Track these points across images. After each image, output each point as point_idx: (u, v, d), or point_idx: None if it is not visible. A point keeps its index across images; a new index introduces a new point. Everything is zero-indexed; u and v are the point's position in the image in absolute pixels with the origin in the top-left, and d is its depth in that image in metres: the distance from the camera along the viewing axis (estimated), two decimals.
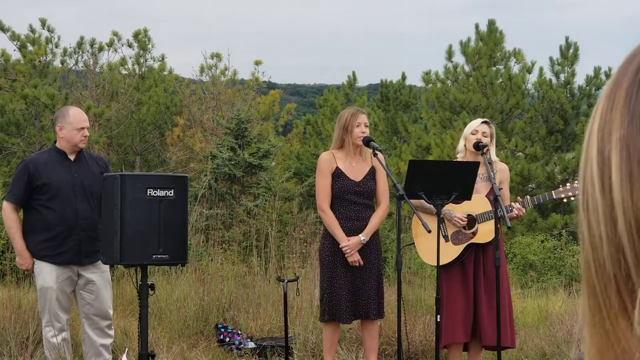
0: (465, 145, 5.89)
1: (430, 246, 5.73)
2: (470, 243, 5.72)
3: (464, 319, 5.69)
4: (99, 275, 5.86)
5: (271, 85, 33.54)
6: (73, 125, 5.77)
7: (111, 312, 5.98)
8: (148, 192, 5.20)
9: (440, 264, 5.65)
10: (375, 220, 5.92)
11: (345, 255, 5.81)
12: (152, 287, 5.41)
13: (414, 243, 5.96)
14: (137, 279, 5.39)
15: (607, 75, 21.41)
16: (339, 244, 5.82)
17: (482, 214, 5.73)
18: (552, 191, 6.00)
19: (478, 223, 5.74)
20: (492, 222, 5.68)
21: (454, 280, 5.71)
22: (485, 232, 5.72)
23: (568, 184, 5.99)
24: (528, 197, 5.88)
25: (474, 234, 5.73)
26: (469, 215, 5.76)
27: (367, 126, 5.91)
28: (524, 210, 5.77)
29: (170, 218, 5.25)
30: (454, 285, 5.70)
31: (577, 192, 5.84)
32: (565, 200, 5.99)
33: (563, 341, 6.67)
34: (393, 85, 28.60)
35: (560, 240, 15.34)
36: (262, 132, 21.89)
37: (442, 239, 5.43)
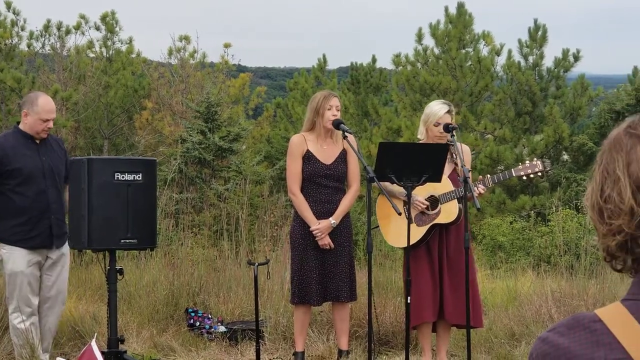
0: (427, 131, 5.86)
1: (395, 228, 5.76)
2: (434, 224, 5.76)
3: (431, 299, 5.74)
4: (63, 255, 5.88)
5: (241, 69, 33.36)
6: (39, 115, 5.68)
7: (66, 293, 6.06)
8: (116, 176, 5.16)
9: (406, 245, 5.68)
10: (346, 203, 5.93)
11: (316, 239, 5.81)
12: (121, 272, 5.39)
13: (378, 226, 5.97)
14: (105, 264, 5.36)
15: (575, 58, 21.55)
16: (309, 227, 5.82)
17: (444, 194, 5.76)
18: (512, 169, 6.05)
19: (441, 203, 5.78)
20: (455, 202, 5.74)
21: (420, 261, 5.74)
22: (448, 212, 5.76)
23: (527, 162, 6.04)
24: (488, 175, 5.92)
25: (437, 214, 5.77)
26: (431, 196, 5.78)
27: (338, 109, 5.90)
28: (485, 189, 5.79)
29: (138, 202, 5.22)
30: (421, 266, 5.73)
31: (536, 169, 5.93)
32: (524, 177, 6.03)
33: (532, 321, 6.73)
34: (363, 68, 28.58)
35: (528, 221, 15.47)
36: (232, 116, 21.80)
37: (406, 221, 5.43)
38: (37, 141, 5.76)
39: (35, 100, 5.73)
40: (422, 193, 5.71)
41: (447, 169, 5.81)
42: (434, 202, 5.79)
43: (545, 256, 11.19)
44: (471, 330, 5.61)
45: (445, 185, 5.73)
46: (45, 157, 5.74)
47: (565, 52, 21.56)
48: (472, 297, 5.71)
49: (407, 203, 5.44)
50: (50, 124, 5.74)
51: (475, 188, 5.70)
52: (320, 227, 5.80)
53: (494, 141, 20.34)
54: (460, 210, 5.77)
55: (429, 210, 5.76)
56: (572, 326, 1.33)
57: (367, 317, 5.64)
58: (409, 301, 5.45)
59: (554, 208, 11.36)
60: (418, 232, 5.70)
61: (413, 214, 5.72)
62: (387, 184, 5.51)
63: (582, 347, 1.30)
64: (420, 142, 5.95)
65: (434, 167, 5.46)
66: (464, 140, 18.46)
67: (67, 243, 5.77)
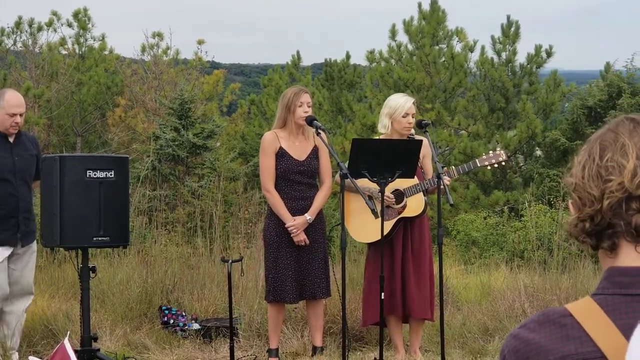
0: (392, 123, 5.87)
1: (360, 223, 5.79)
2: (400, 218, 5.79)
3: (393, 294, 5.77)
4: (30, 248, 5.85)
5: (215, 65, 33.23)
6: (5, 110, 5.64)
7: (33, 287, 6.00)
8: (87, 173, 5.13)
9: (371, 240, 5.71)
10: (320, 199, 5.93)
11: (291, 235, 5.80)
12: (94, 269, 5.38)
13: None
14: (78, 262, 5.34)
15: (548, 54, 21.70)
16: (284, 224, 5.81)
17: (409, 187, 5.79)
18: (476, 160, 6.12)
19: (407, 197, 5.80)
20: (421, 194, 5.79)
21: (384, 257, 5.76)
22: (414, 206, 5.79)
23: (491, 152, 6.12)
24: (453, 167, 5.97)
25: (403, 208, 5.79)
26: (396, 189, 5.80)
27: (310, 106, 5.89)
28: (449, 180, 5.82)
29: (110, 200, 5.19)
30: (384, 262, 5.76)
31: (499, 159, 6.02)
32: (489, 167, 6.14)
33: (505, 316, 6.77)
34: (337, 65, 28.56)
35: (502, 216, 15.56)
36: (206, 113, 21.70)
37: (371, 216, 5.43)
38: (11, 140, 5.73)
39: (1, 96, 5.71)
40: (387, 187, 5.72)
41: None
42: (399, 195, 5.82)
43: (518, 251, 11.25)
44: (444, 325, 5.65)
45: (410, 179, 5.76)
46: (17, 157, 5.73)
47: (538, 49, 21.69)
48: (431, 290, 5.79)
49: (382, 199, 5.45)
50: (18, 119, 5.68)
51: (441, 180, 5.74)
52: (296, 224, 5.79)
53: (467, 137, 20.43)
54: (425, 203, 5.82)
55: (394, 205, 5.79)
56: (542, 321, 1.34)
57: (341, 313, 5.64)
58: (382, 297, 5.47)
59: (527, 203, 11.43)
60: (385, 227, 5.72)
61: (379, 208, 5.74)
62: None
63: (552, 341, 1.31)
64: (382, 135, 5.98)
65: (408, 162, 5.47)
66: (438, 136, 18.53)
67: (35, 240, 5.75)
